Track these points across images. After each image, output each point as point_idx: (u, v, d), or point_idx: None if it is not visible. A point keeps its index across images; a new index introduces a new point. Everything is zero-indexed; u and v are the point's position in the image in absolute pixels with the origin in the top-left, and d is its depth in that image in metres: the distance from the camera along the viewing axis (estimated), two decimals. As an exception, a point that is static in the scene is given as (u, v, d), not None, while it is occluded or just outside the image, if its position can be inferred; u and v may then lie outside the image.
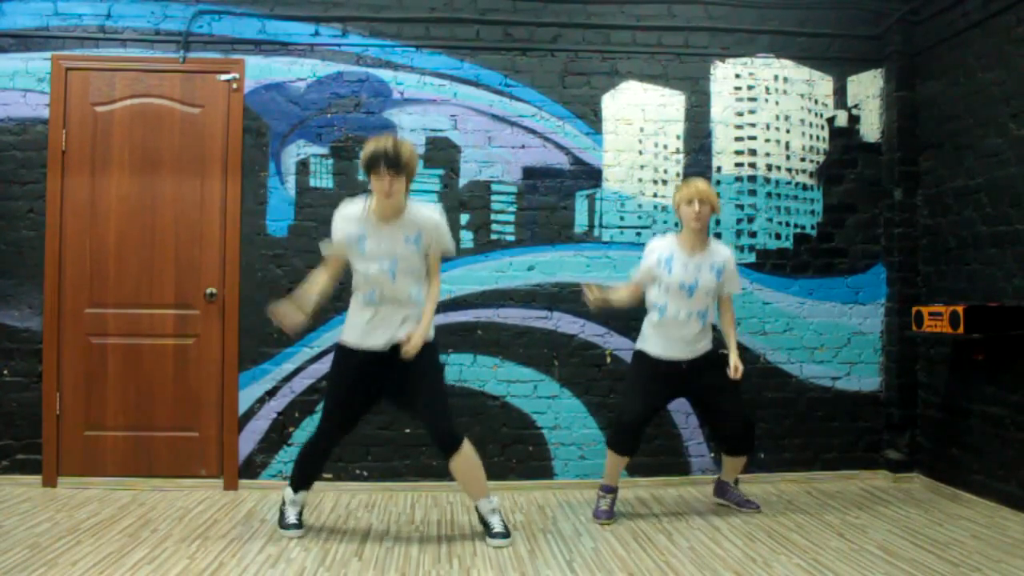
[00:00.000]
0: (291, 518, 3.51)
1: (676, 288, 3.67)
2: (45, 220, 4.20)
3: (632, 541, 3.45)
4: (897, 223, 4.54)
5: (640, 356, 3.80)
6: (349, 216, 3.35)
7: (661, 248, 3.74)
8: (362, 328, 3.36)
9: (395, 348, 3.33)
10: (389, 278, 3.31)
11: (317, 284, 3.42)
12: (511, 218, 4.42)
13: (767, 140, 4.57)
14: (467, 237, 4.39)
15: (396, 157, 3.18)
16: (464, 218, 4.39)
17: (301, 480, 3.54)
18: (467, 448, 3.34)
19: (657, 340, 3.75)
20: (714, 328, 3.84)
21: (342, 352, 3.43)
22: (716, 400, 3.77)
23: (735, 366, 3.72)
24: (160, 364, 4.23)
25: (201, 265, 4.27)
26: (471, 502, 3.56)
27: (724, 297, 3.81)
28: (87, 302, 4.23)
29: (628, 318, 4.37)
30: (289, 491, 3.54)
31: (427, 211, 3.41)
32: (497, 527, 3.40)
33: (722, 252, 3.77)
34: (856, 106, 4.64)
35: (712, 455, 4.46)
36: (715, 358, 3.78)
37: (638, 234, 4.44)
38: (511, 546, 3.36)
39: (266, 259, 4.29)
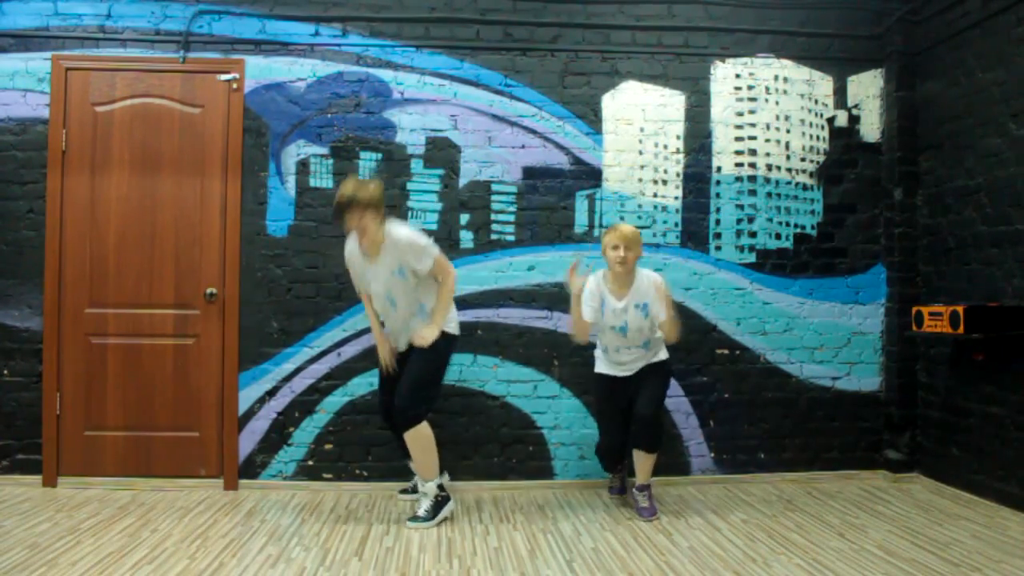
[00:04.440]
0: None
1: (610, 329, 3.82)
2: (45, 220, 4.20)
3: (632, 541, 3.45)
4: (897, 223, 4.54)
5: (596, 377, 4.02)
6: (350, 255, 3.76)
7: (593, 291, 3.81)
8: (384, 333, 3.88)
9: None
10: (391, 308, 3.71)
11: (372, 317, 3.88)
12: (511, 218, 4.42)
13: (767, 140, 4.57)
14: (467, 237, 4.39)
15: (352, 199, 3.49)
16: (464, 218, 4.39)
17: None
18: (423, 428, 3.65)
19: (605, 363, 3.97)
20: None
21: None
22: (638, 388, 3.85)
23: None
24: (160, 364, 4.23)
25: (201, 265, 4.27)
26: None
27: (660, 324, 3.79)
28: (87, 302, 4.23)
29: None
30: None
31: (399, 234, 3.58)
32: (420, 511, 3.68)
33: (644, 287, 3.76)
34: (856, 106, 4.64)
35: (712, 455, 4.46)
36: (658, 366, 3.90)
37: (638, 234, 4.44)
38: (431, 530, 3.58)
39: (266, 259, 4.29)
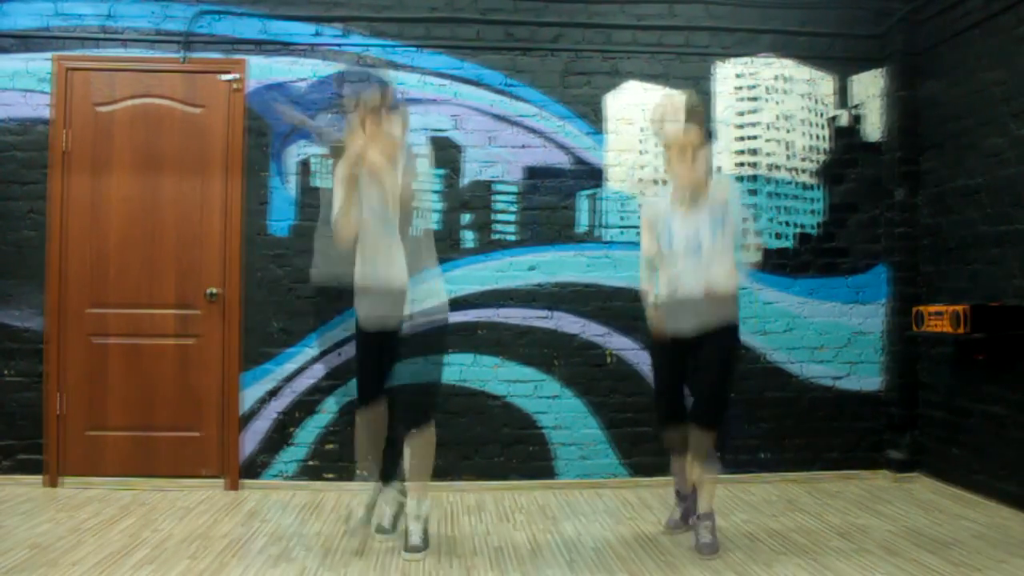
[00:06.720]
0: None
1: (681, 255, 3.20)
2: (46, 220, 4.20)
3: (633, 541, 3.45)
4: (898, 223, 4.54)
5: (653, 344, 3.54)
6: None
7: (651, 217, 3.32)
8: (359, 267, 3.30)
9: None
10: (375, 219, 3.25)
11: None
12: (512, 218, 4.43)
13: (769, 140, 4.57)
14: (469, 237, 4.39)
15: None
16: (466, 218, 4.39)
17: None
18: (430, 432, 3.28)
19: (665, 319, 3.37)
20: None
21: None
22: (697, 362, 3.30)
23: None
24: (161, 364, 4.24)
25: (202, 265, 4.28)
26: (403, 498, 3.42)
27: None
28: (88, 302, 4.23)
29: (629, 318, 4.37)
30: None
31: (420, 149, 3.27)
32: (413, 538, 3.23)
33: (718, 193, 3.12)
34: (858, 106, 4.63)
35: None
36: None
37: (639, 234, 4.42)
38: (427, 556, 3.22)
39: (267, 259, 4.29)
